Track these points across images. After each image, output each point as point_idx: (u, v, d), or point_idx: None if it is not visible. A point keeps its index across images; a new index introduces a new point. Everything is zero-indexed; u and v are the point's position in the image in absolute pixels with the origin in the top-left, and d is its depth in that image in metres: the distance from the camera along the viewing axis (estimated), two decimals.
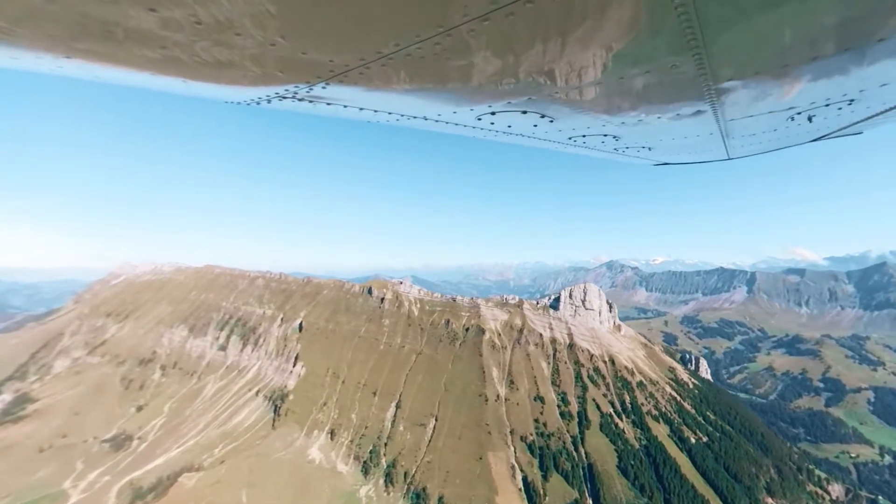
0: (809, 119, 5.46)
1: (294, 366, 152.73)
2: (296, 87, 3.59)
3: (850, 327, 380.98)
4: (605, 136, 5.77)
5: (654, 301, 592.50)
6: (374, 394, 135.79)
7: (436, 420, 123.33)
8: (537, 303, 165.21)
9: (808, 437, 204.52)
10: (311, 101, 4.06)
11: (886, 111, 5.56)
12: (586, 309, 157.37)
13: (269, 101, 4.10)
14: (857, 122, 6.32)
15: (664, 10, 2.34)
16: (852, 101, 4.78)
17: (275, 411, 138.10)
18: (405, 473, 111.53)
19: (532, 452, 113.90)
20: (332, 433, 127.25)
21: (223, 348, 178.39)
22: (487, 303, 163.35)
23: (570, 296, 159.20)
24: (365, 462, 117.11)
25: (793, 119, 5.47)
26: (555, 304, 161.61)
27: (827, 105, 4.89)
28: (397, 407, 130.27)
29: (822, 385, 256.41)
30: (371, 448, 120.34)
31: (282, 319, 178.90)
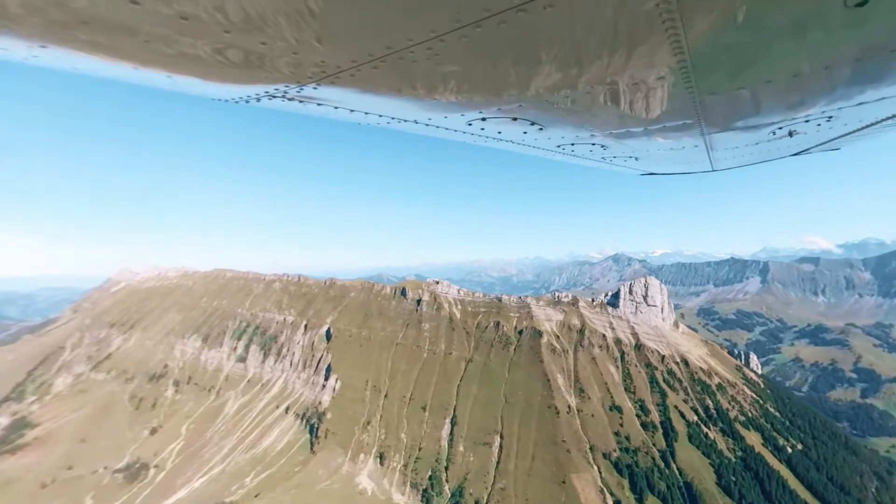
0: (790, 134, 5.56)
1: (326, 379, 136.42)
2: (286, 86, 3.54)
3: (871, 315, 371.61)
4: (594, 145, 5.73)
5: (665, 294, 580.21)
6: (424, 409, 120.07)
7: (501, 437, 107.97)
8: (592, 300, 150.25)
9: (855, 432, 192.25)
10: (301, 101, 3.97)
11: (862, 129, 5.72)
12: (648, 305, 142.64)
13: (258, 100, 4.00)
14: (835, 139, 6.48)
15: (651, 24, 2.34)
16: (830, 118, 4.91)
17: (311, 432, 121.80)
18: (476, 502, 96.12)
19: (620, 472, 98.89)
20: (381, 457, 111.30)
21: (242, 360, 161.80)
22: (538, 302, 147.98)
23: (630, 291, 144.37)
24: (425, 490, 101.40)
25: (774, 133, 5.55)
26: (612, 301, 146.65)
27: (807, 121, 4.99)
28: (453, 423, 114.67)
29: (855, 376, 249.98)
30: (430, 473, 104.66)
31: (305, 326, 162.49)
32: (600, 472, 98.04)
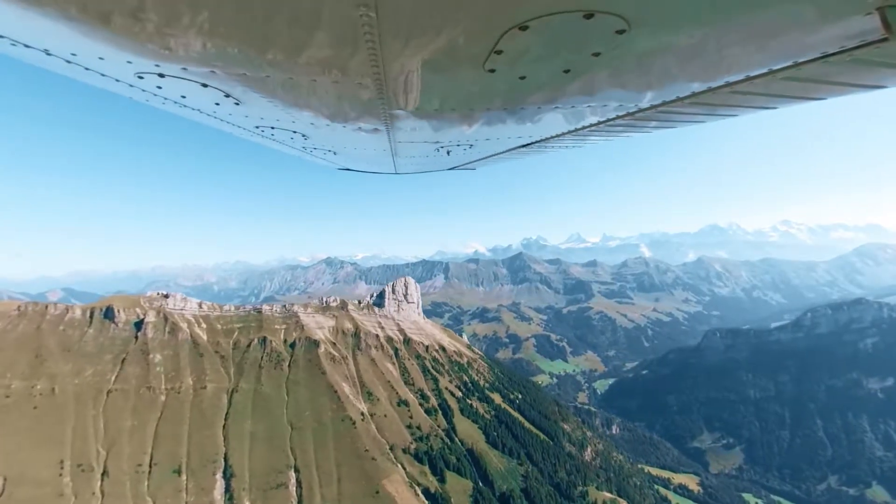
0: (448, 153, 7.20)
1: None
2: None
3: (508, 298, 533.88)
4: (295, 133, 5.73)
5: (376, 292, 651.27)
6: (179, 471, 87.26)
7: (297, 472, 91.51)
8: (359, 303, 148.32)
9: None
10: None
11: (490, 157, 8.40)
12: (408, 303, 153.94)
13: None
14: (473, 161, 9.17)
15: (354, 30, 2.31)
16: (471, 146, 6.76)
17: None
18: None
19: (420, 461, 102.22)
20: None
21: None
22: (306, 309, 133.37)
23: (393, 291, 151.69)
24: None
25: (438, 151, 6.99)
26: (378, 302, 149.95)
27: (458, 145, 6.64)
28: (228, 477, 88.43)
29: (507, 340, 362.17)
30: None
31: None
32: (405, 468, 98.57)
